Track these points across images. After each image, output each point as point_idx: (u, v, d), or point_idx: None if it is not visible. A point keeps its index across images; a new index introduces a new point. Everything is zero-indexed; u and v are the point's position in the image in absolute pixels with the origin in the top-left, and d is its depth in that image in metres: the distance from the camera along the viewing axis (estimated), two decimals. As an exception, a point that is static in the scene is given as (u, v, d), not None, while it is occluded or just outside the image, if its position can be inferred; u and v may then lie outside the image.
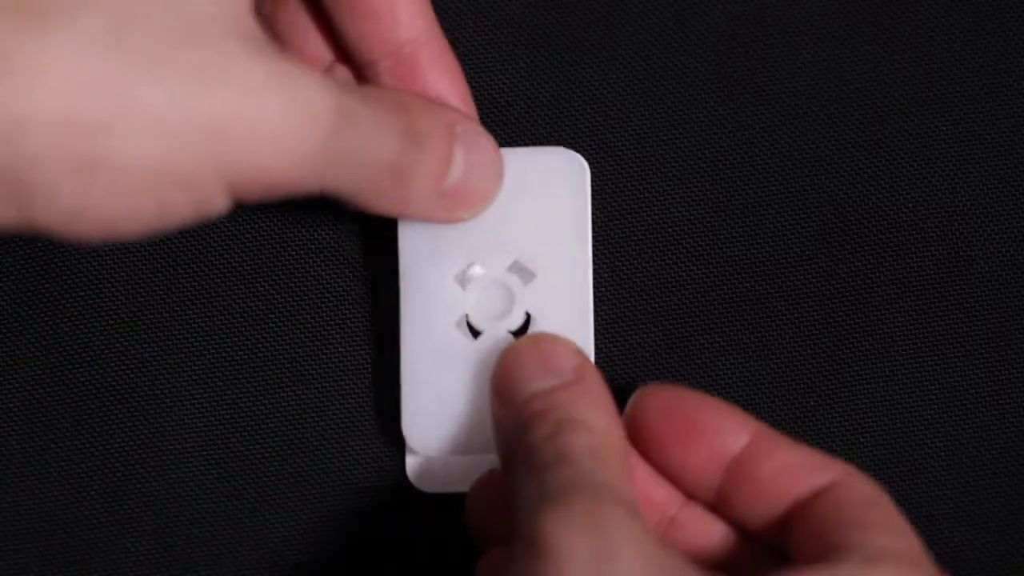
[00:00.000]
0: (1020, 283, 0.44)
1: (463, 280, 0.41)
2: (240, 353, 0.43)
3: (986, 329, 0.44)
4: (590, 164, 0.43)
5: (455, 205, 0.39)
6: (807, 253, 0.44)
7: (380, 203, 0.37)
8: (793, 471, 0.35)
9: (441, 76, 0.38)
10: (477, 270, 0.41)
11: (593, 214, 0.43)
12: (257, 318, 0.44)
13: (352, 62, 0.39)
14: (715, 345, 0.44)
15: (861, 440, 0.44)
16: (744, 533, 0.36)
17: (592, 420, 0.35)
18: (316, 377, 0.43)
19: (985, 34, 0.45)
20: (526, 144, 0.44)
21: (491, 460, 0.40)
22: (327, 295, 0.44)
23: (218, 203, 0.31)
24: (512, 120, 0.44)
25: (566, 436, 0.35)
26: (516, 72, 0.44)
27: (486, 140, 0.39)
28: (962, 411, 0.44)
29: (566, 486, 0.32)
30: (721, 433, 0.36)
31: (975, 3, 0.45)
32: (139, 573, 0.43)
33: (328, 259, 0.44)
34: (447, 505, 0.42)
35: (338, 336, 0.44)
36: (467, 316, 0.41)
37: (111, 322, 0.43)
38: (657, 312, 0.44)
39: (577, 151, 0.43)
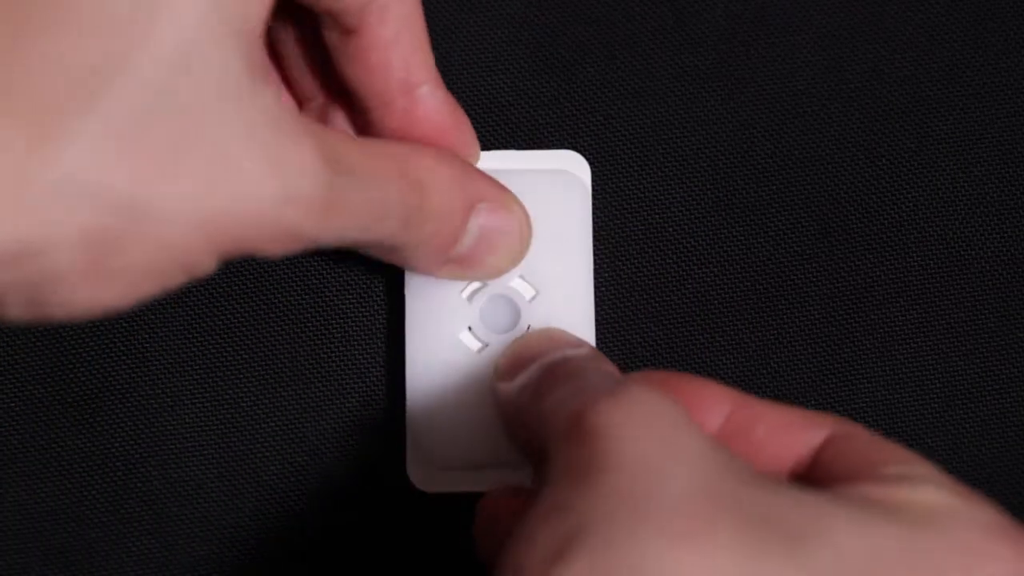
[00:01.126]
0: (1020, 282, 0.44)
1: (469, 293, 0.41)
2: (240, 353, 0.43)
3: (986, 328, 0.44)
4: (590, 164, 0.43)
5: (462, 270, 0.40)
6: (807, 253, 0.44)
7: (383, 258, 0.38)
8: (787, 431, 0.35)
9: (439, 126, 0.38)
10: (482, 284, 0.41)
11: (593, 214, 0.43)
12: (257, 318, 0.44)
13: (355, 105, 0.38)
14: (715, 345, 0.44)
15: (861, 440, 0.44)
16: None
17: (601, 360, 0.37)
18: (316, 377, 0.43)
19: (985, 34, 0.45)
20: (526, 144, 0.44)
21: (493, 468, 0.41)
22: (328, 294, 0.44)
23: (209, 269, 0.32)
24: (512, 120, 0.44)
25: (583, 362, 0.36)
26: (516, 72, 0.44)
27: (508, 217, 0.39)
28: (962, 411, 0.44)
29: (615, 383, 0.33)
30: (699, 408, 0.36)
31: (975, 3, 0.45)
32: (140, 572, 0.43)
33: (329, 258, 0.44)
34: (447, 505, 0.42)
35: (339, 335, 0.44)
36: (472, 328, 0.41)
37: (111, 322, 0.43)
38: (657, 312, 0.44)
39: (577, 151, 0.43)
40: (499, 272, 0.40)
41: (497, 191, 0.39)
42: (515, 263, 0.40)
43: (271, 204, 0.32)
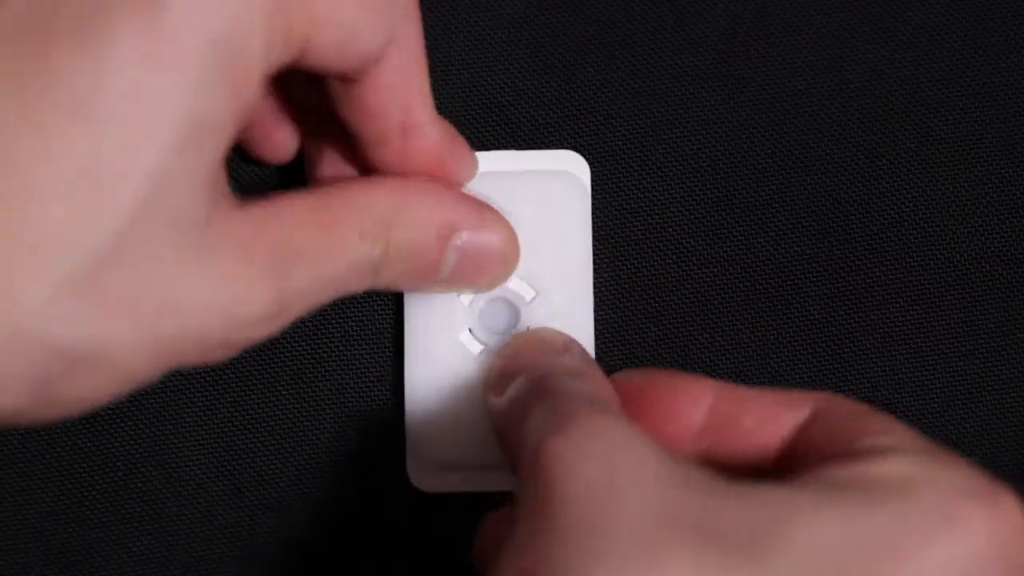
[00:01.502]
0: (1020, 282, 0.44)
1: (468, 295, 0.41)
2: (246, 355, 0.43)
3: (986, 328, 0.44)
4: (590, 164, 0.43)
5: (450, 288, 0.40)
6: (807, 253, 0.44)
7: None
8: (770, 415, 0.35)
9: (434, 161, 0.38)
10: None
11: (593, 214, 0.43)
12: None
13: (351, 140, 0.38)
14: (715, 345, 0.44)
15: (861, 440, 0.44)
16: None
17: (583, 371, 0.37)
18: (316, 377, 0.43)
19: (985, 34, 0.45)
20: (526, 145, 0.44)
21: (492, 468, 0.41)
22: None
23: (154, 379, 0.33)
24: (511, 120, 0.44)
25: (565, 381, 0.35)
26: (516, 72, 0.44)
27: (490, 237, 0.39)
28: (962, 411, 0.44)
29: (570, 412, 0.33)
30: (682, 403, 0.36)
31: (975, 3, 0.45)
32: (140, 572, 0.43)
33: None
34: (447, 505, 0.43)
35: (339, 334, 0.44)
36: (471, 330, 0.41)
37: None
38: (657, 312, 0.44)
39: (577, 151, 0.43)
40: (489, 288, 0.40)
41: (475, 213, 0.38)
42: (503, 279, 0.40)
43: (218, 326, 0.32)
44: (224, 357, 0.34)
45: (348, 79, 0.35)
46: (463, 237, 0.38)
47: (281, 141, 0.41)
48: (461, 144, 0.39)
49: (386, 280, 0.37)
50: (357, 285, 0.36)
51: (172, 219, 0.31)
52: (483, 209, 0.39)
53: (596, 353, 0.42)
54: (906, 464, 0.31)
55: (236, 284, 0.32)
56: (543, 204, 0.42)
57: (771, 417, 0.35)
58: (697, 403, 0.36)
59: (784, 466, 0.34)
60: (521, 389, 0.37)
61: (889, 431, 0.33)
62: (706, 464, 0.35)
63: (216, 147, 0.31)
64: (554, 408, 0.33)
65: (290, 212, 0.34)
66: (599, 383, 0.36)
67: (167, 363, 0.32)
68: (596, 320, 0.43)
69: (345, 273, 0.35)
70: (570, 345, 0.39)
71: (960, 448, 0.44)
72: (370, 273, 0.36)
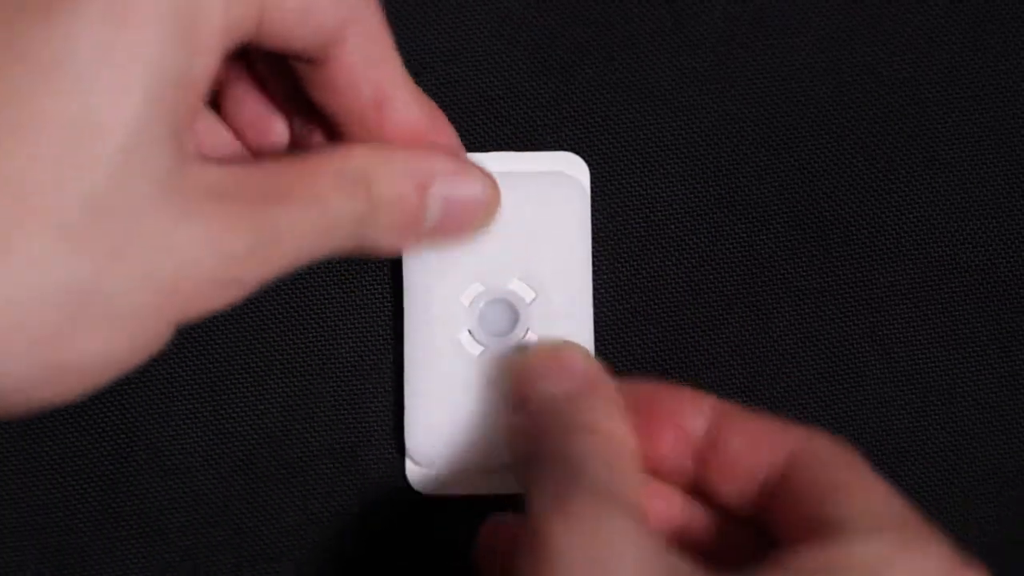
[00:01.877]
0: (1020, 283, 0.44)
1: (468, 296, 0.41)
2: (238, 348, 0.43)
3: (987, 329, 0.44)
4: (590, 164, 0.43)
5: (438, 240, 0.39)
6: (807, 253, 0.44)
7: (362, 255, 0.38)
8: (756, 445, 0.35)
9: (413, 134, 0.38)
10: (481, 287, 0.41)
11: (593, 214, 0.43)
12: (255, 312, 0.43)
13: (330, 122, 0.39)
14: (715, 345, 0.44)
15: (861, 440, 0.43)
16: (727, 517, 0.37)
17: (603, 424, 0.36)
18: (317, 375, 0.43)
19: (984, 36, 0.45)
20: (525, 146, 0.44)
21: (492, 471, 0.41)
22: (327, 290, 0.44)
23: (166, 340, 0.34)
24: (510, 122, 0.44)
25: (577, 442, 0.35)
26: (516, 72, 0.44)
27: (468, 182, 0.39)
28: (962, 411, 0.44)
29: (571, 491, 0.33)
30: (680, 417, 0.36)
31: (974, 5, 0.45)
32: (136, 570, 0.43)
33: (328, 259, 0.44)
34: (447, 506, 0.42)
35: (337, 332, 0.44)
36: (470, 331, 0.41)
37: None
38: (656, 313, 0.44)
39: (577, 151, 0.43)
40: (480, 228, 0.39)
41: (450, 161, 0.38)
42: (489, 222, 0.39)
43: (208, 265, 0.33)
44: (222, 301, 0.34)
45: (315, 61, 0.36)
46: (443, 186, 0.38)
47: (273, 142, 0.41)
48: (442, 119, 0.39)
49: (372, 236, 0.37)
50: (344, 239, 0.36)
51: (151, 167, 0.32)
52: (459, 158, 0.39)
53: (596, 353, 0.42)
54: (879, 546, 0.31)
55: (218, 219, 0.33)
56: (542, 206, 0.42)
57: (755, 446, 0.35)
58: (695, 419, 0.36)
59: (765, 506, 0.35)
60: (536, 425, 0.37)
61: (863, 489, 0.33)
62: (697, 499, 0.37)
63: (184, 102, 0.33)
64: (558, 482, 0.34)
65: (266, 165, 0.35)
66: (617, 441, 0.36)
67: (169, 311, 0.33)
68: (596, 320, 0.43)
69: (329, 221, 0.36)
70: (593, 374, 0.38)
71: (960, 448, 0.44)
72: (355, 225, 0.36)
